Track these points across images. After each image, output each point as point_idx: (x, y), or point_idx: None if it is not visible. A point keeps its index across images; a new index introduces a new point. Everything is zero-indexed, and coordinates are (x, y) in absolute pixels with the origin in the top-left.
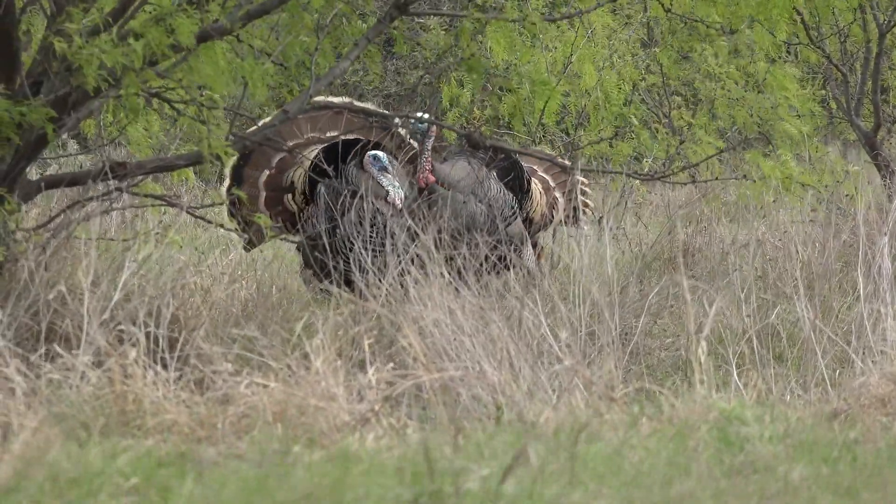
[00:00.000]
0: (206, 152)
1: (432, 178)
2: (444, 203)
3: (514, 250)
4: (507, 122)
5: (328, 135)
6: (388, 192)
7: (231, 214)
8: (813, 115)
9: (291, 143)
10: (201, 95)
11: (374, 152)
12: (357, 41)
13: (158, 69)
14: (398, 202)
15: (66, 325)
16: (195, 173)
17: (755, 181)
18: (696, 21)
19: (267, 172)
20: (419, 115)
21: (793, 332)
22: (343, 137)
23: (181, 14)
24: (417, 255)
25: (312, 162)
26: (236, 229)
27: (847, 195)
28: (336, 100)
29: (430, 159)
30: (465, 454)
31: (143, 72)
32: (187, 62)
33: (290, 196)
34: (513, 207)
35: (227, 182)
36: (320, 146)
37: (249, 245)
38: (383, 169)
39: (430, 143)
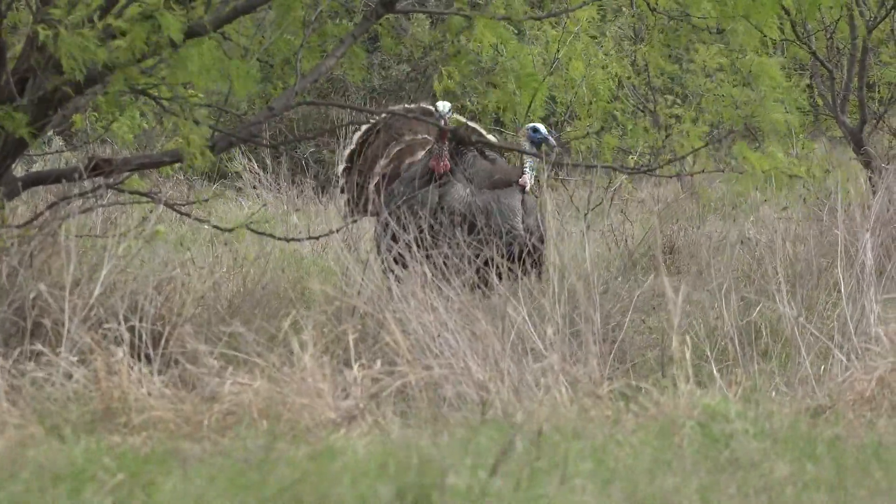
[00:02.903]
0: (185, 149)
1: (448, 167)
2: (462, 193)
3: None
4: (497, 118)
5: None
6: (524, 171)
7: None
8: (799, 109)
9: (409, 138)
10: (186, 91)
11: (534, 124)
12: (343, 38)
13: (144, 66)
14: (527, 184)
15: (49, 322)
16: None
17: (742, 174)
18: (683, 19)
19: (384, 160)
20: (441, 103)
21: (777, 329)
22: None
23: (168, 11)
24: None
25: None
26: (346, 204)
27: (832, 192)
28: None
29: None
30: (448, 450)
31: (128, 69)
32: (172, 59)
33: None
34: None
35: (343, 165)
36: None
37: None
38: (534, 143)
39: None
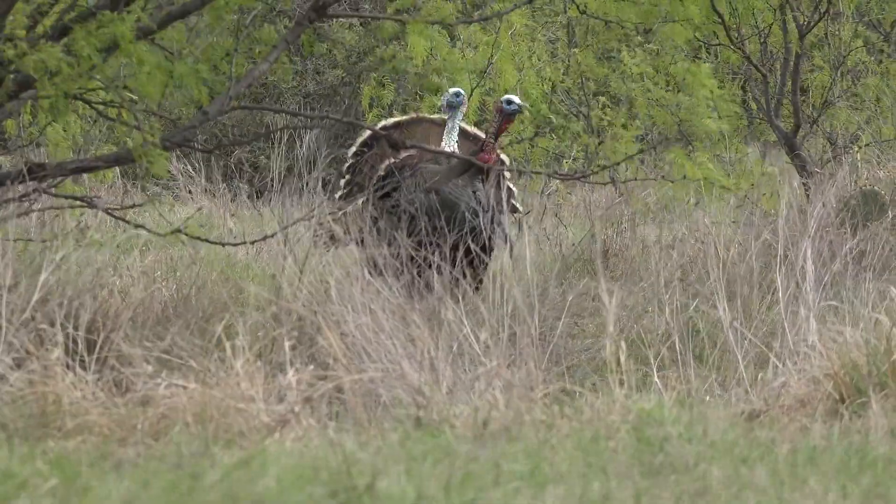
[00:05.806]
0: (138, 156)
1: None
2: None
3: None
4: None
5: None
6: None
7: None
8: (731, 115)
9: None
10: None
11: (508, 96)
12: (276, 44)
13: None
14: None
15: None
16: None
17: (674, 182)
18: (613, 21)
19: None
20: (454, 90)
21: (712, 333)
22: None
23: (118, 19)
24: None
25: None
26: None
27: (765, 194)
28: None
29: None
30: (381, 454)
31: (80, 78)
32: (127, 66)
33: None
34: None
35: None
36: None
37: None
38: (511, 115)
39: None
